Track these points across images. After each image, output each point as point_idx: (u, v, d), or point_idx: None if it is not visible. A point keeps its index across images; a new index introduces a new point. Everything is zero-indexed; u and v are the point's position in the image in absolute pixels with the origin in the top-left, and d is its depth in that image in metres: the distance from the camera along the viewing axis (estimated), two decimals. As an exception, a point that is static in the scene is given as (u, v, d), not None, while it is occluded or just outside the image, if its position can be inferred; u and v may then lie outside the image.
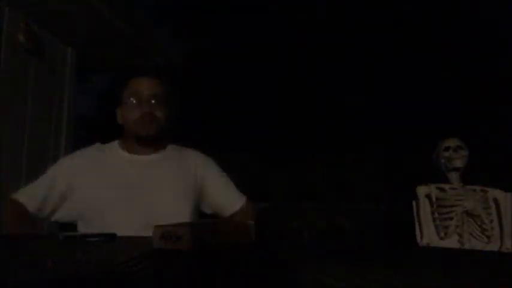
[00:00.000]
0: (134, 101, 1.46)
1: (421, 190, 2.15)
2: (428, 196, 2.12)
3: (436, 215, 2.08)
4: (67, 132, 3.08)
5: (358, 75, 7.55)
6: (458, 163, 2.15)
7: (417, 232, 2.11)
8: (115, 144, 1.55)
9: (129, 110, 1.47)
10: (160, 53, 3.45)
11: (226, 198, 1.55)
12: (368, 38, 7.49)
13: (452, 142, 2.24)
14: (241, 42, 7.75)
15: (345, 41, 7.60)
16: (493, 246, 1.99)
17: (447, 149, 2.21)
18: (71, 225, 1.49)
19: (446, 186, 2.15)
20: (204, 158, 1.59)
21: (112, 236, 1.01)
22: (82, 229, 1.43)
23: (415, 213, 2.13)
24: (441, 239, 2.03)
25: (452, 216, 2.06)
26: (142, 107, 1.45)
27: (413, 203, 2.18)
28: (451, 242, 2.02)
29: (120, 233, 1.02)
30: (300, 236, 4.51)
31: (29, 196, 1.44)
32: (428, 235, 2.05)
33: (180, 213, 1.39)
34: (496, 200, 2.09)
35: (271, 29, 7.81)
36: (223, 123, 7.07)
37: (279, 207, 4.92)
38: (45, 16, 2.72)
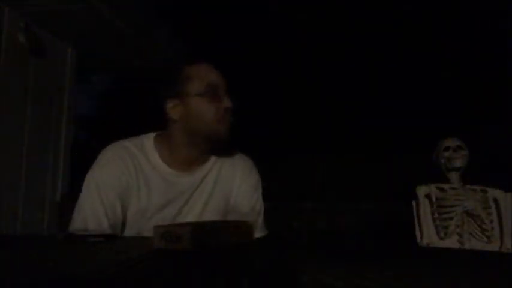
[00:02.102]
0: (211, 92, 1.21)
1: (421, 190, 2.15)
2: (428, 196, 2.12)
3: (436, 215, 2.07)
4: (67, 132, 3.08)
5: (358, 75, 7.55)
6: (458, 163, 2.15)
7: (417, 232, 2.11)
8: (152, 149, 1.27)
9: (205, 103, 1.21)
10: (160, 53, 3.45)
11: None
12: (368, 38, 7.49)
13: (452, 142, 2.24)
14: (241, 43, 7.75)
15: (345, 41, 7.60)
16: (493, 246, 1.99)
17: (447, 149, 2.21)
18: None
19: (446, 186, 2.15)
20: (248, 181, 1.36)
21: (112, 236, 1.01)
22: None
23: (415, 213, 2.13)
24: (441, 239, 2.03)
25: (452, 216, 2.06)
26: (221, 100, 1.22)
27: (413, 203, 2.18)
28: (451, 242, 2.02)
29: None
30: (300, 236, 4.51)
31: (96, 222, 1.17)
32: (428, 235, 2.05)
33: None
34: (496, 200, 2.09)
35: (272, 29, 7.81)
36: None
37: (279, 207, 4.91)
38: (45, 16, 2.72)
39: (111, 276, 0.53)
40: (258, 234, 1.34)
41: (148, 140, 1.29)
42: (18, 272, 0.58)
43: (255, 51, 7.75)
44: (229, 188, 1.33)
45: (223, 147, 1.31)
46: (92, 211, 1.18)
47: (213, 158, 1.32)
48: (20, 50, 2.62)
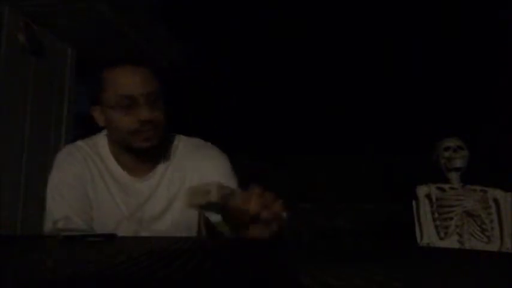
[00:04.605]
0: (125, 104, 1.11)
1: (421, 190, 2.15)
2: (428, 196, 2.12)
3: (436, 215, 2.08)
4: (67, 132, 3.08)
5: (357, 74, 7.55)
6: (459, 163, 2.15)
7: (417, 232, 2.11)
8: (105, 149, 1.24)
9: (117, 115, 1.13)
10: (160, 53, 3.45)
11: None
12: (367, 37, 7.49)
13: (452, 142, 2.24)
14: (242, 42, 7.75)
15: (345, 41, 7.60)
16: (493, 246, 1.99)
17: (447, 149, 2.21)
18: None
19: (446, 186, 2.15)
20: (212, 172, 1.24)
21: (112, 236, 1.01)
22: None
23: (415, 213, 2.13)
24: (441, 239, 2.03)
25: (452, 216, 2.07)
26: (138, 112, 1.11)
27: (413, 203, 2.18)
28: (451, 242, 2.03)
29: None
30: (300, 236, 4.51)
31: (68, 222, 1.16)
32: (428, 235, 2.05)
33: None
34: (496, 200, 2.09)
35: (271, 29, 7.81)
36: (222, 122, 7.08)
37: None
38: (45, 16, 2.72)
39: (111, 276, 0.53)
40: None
41: (101, 139, 1.26)
42: (18, 272, 0.58)
43: (255, 51, 7.75)
44: (194, 181, 1.24)
45: (168, 147, 1.26)
46: (61, 213, 1.17)
47: (165, 159, 1.25)
48: (20, 50, 2.62)
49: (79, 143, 1.27)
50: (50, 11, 2.66)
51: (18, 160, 2.64)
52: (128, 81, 1.13)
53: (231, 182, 1.22)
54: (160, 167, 1.25)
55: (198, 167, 1.25)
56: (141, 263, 0.62)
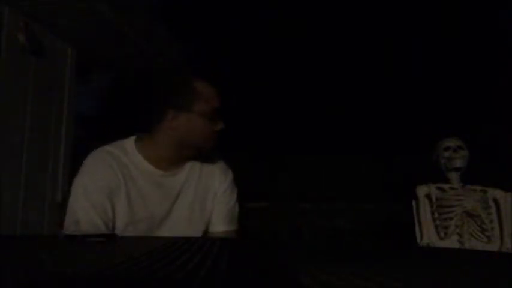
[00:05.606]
0: (212, 114, 1.31)
1: (421, 190, 2.15)
2: (428, 196, 2.12)
3: (436, 215, 2.08)
4: (67, 132, 3.08)
5: (357, 75, 7.55)
6: (459, 163, 2.15)
7: (417, 232, 2.11)
8: (134, 152, 1.32)
9: (206, 122, 1.30)
10: (161, 53, 3.45)
11: (220, 217, 1.42)
12: (368, 38, 7.49)
13: (452, 142, 2.24)
14: (242, 42, 7.75)
15: (345, 41, 7.60)
16: (493, 246, 1.99)
17: (447, 149, 2.21)
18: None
19: (446, 186, 2.15)
20: (228, 181, 1.44)
21: (112, 236, 1.01)
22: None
23: (415, 213, 2.13)
24: (441, 239, 2.03)
25: (452, 216, 2.06)
26: (216, 122, 1.32)
27: (413, 203, 2.18)
28: (451, 242, 2.02)
29: None
30: (300, 236, 4.51)
31: (90, 223, 1.21)
32: (428, 235, 2.05)
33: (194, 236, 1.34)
34: (496, 200, 2.09)
35: (271, 29, 7.81)
36: (222, 122, 7.07)
37: (279, 207, 4.92)
38: (45, 16, 2.72)
39: (111, 276, 0.53)
40: (233, 227, 1.45)
41: (129, 143, 1.34)
42: (18, 272, 0.58)
43: (254, 51, 7.75)
44: (210, 191, 1.41)
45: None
46: (84, 214, 1.22)
47: (191, 160, 1.39)
48: (20, 50, 2.62)
49: (108, 148, 1.32)
50: (50, 11, 2.66)
51: (18, 160, 2.64)
52: (218, 97, 1.34)
53: (234, 204, 1.46)
54: (188, 164, 1.38)
55: (223, 181, 1.42)
56: (141, 263, 0.62)
